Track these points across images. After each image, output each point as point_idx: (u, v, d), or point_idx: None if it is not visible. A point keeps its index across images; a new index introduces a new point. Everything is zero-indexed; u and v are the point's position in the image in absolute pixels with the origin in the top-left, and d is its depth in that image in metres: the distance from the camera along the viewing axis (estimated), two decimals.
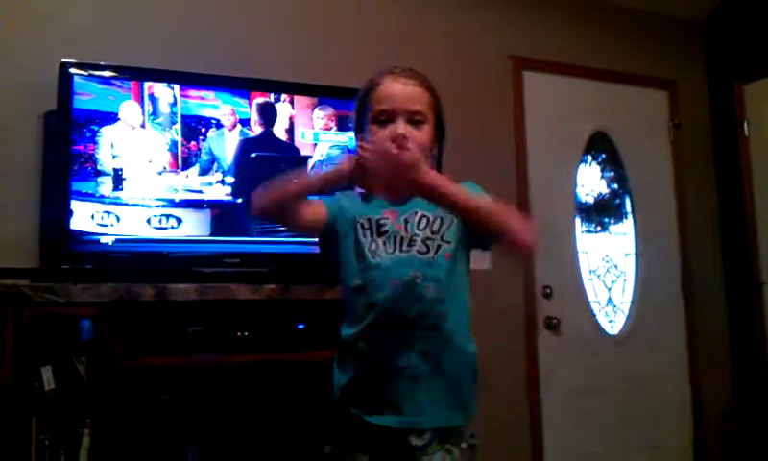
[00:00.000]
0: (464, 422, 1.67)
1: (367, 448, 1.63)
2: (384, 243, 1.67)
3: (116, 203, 2.69)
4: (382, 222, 1.69)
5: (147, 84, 2.78)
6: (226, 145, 2.87)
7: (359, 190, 1.86)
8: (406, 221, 1.69)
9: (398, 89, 1.73)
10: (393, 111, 1.70)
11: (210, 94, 2.88)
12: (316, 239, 1.81)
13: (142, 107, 2.77)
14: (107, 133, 2.70)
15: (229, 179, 2.85)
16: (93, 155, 2.68)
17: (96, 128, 2.69)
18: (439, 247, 1.67)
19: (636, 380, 4.10)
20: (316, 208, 1.74)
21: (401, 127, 1.68)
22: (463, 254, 1.72)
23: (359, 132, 1.80)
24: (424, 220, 1.69)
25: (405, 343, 1.61)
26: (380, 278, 1.64)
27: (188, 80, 2.86)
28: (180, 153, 2.81)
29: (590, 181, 4.27)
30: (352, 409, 1.65)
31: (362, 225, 1.70)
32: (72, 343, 2.55)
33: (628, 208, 4.33)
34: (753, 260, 4.27)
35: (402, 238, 1.67)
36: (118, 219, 2.69)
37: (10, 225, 2.78)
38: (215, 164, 2.84)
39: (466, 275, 1.74)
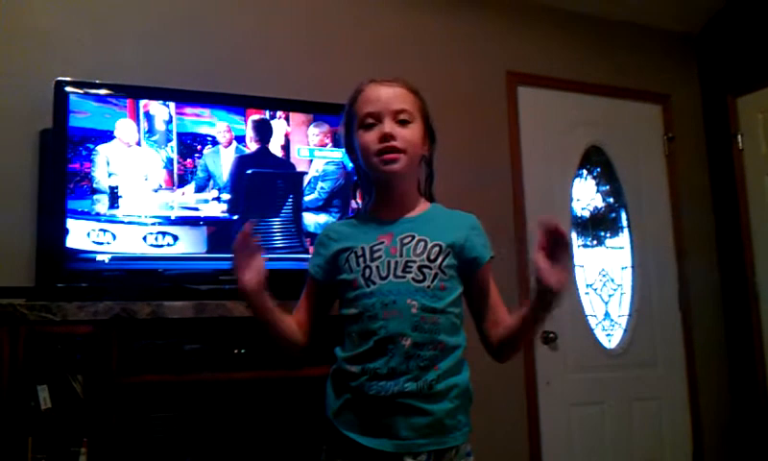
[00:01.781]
0: (461, 441, 1.66)
1: None
2: (378, 268, 1.66)
3: (112, 220, 2.69)
4: (376, 248, 1.68)
5: (142, 102, 2.79)
6: (221, 162, 2.87)
7: (353, 207, 1.87)
8: (402, 243, 1.69)
9: (383, 91, 1.73)
10: (378, 113, 1.70)
11: (206, 111, 2.88)
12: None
13: (138, 124, 2.78)
14: (102, 151, 2.71)
15: (225, 196, 2.85)
16: (89, 173, 2.68)
17: (92, 146, 2.69)
18: (435, 276, 1.65)
19: (634, 394, 4.09)
20: (307, 301, 1.83)
21: (388, 126, 1.69)
22: (458, 283, 1.71)
23: (349, 145, 1.81)
24: (421, 244, 1.68)
25: (402, 371, 1.59)
26: (375, 305, 1.63)
27: (184, 97, 2.87)
28: (175, 170, 2.81)
29: (586, 196, 4.28)
30: (346, 431, 1.64)
31: (356, 253, 1.69)
32: (68, 361, 2.53)
33: (624, 222, 4.34)
34: (748, 272, 4.28)
35: (397, 263, 1.65)
36: (114, 237, 2.68)
37: (5, 243, 2.78)
38: (211, 181, 2.84)
39: (460, 303, 1.73)
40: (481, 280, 1.76)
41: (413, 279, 1.64)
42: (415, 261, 1.66)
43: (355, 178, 1.89)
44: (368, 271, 1.66)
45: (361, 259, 1.68)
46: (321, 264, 1.78)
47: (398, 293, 1.63)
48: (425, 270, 1.65)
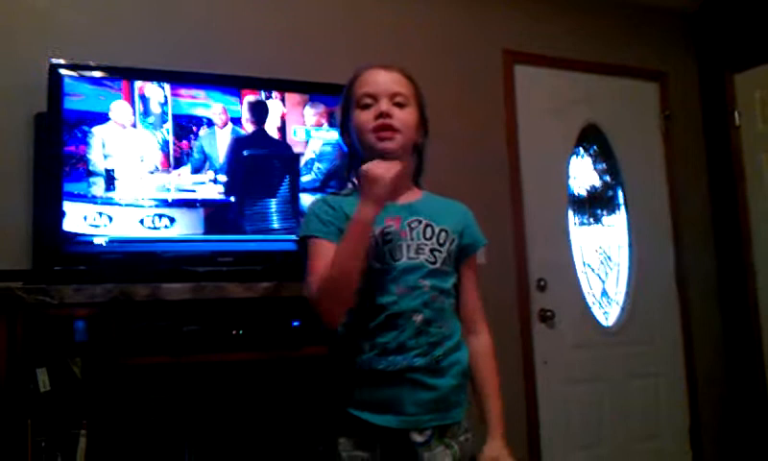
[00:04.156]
0: (461, 416, 1.69)
1: (366, 446, 1.64)
2: (391, 250, 1.67)
3: (109, 203, 2.68)
4: (386, 231, 1.69)
5: (137, 84, 2.78)
6: (217, 143, 2.86)
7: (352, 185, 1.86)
8: (410, 227, 1.71)
9: (381, 75, 1.76)
10: (376, 94, 1.72)
11: (201, 93, 2.87)
12: None
13: (133, 106, 2.77)
14: (98, 134, 2.70)
15: (222, 177, 2.85)
16: (85, 155, 2.67)
17: (87, 128, 2.68)
18: (444, 259, 1.71)
19: (631, 371, 4.12)
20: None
21: (384, 105, 1.70)
22: (454, 269, 1.77)
23: (344, 127, 1.81)
24: (429, 229, 1.72)
25: (411, 346, 1.63)
26: (388, 283, 1.65)
27: (179, 79, 2.85)
28: (171, 152, 2.80)
29: (583, 174, 4.28)
30: (350, 409, 1.65)
31: None
32: (67, 344, 2.54)
33: (621, 200, 4.34)
34: (745, 249, 4.29)
35: (409, 246, 1.69)
36: (111, 219, 2.68)
37: (2, 227, 2.78)
38: (207, 163, 2.84)
39: (456, 286, 1.78)
40: (469, 266, 1.81)
41: (426, 260, 1.69)
42: (427, 244, 1.70)
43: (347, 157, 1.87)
44: (380, 253, 1.67)
45: (372, 239, 1.68)
46: (336, 232, 1.68)
47: (412, 273, 1.66)
48: (436, 253, 1.70)
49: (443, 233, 1.72)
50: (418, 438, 1.62)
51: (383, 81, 1.74)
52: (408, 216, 1.72)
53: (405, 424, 1.62)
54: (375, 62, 1.80)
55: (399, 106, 1.72)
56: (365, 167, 1.63)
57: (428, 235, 1.71)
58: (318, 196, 2.89)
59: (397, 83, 1.75)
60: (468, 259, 1.80)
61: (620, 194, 4.35)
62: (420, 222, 1.71)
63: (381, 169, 1.60)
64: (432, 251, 1.69)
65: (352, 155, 1.82)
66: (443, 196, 1.85)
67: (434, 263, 1.68)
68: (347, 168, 1.88)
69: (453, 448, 1.65)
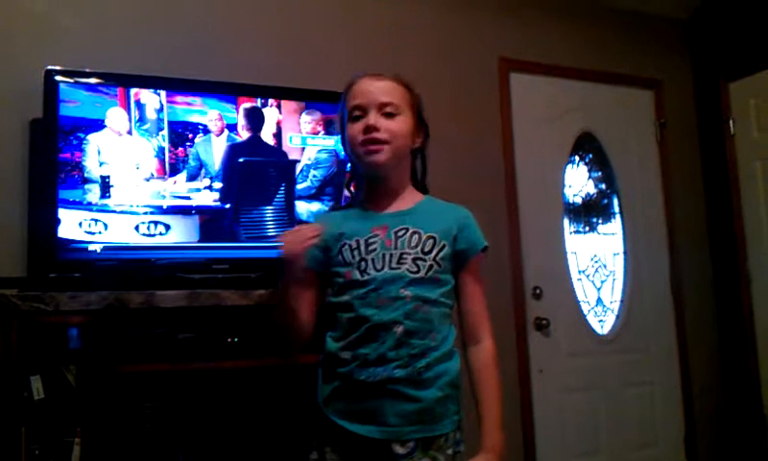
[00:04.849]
0: (450, 429, 1.68)
1: (350, 457, 1.64)
2: (373, 260, 1.68)
3: (104, 210, 2.68)
4: (371, 240, 1.70)
5: (133, 91, 2.77)
6: (213, 150, 2.86)
7: (346, 195, 1.88)
8: (396, 236, 1.70)
9: (372, 85, 1.76)
10: (365, 105, 1.73)
11: (197, 100, 2.86)
12: None
13: (129, 113, 2.76)
14: (93, 141, 2.69)
15: (217, 184, 2.84)
16: (80, 162, 2.66)
17: (83, 135, 2.68)
18: (430, 267, 1.68)
19: (626, 379, 4.12)
20: (310, 289, 1.79)
21: (372, 118, 1.71)
22: (450, 276, 1.74)
23: (343, 137, 1.82)
24: (416, 237, 1.70)
25: (391, 358, 1.62)
26: (369, 294, 1.65)
27: (175, 86, 2.85)
28: (167, 159, 2.80)
29: (578, 182, 4.28)
30: (335, 419, 1.66)
31: (350, 246, 1.71)
32: (61, 351, 2.53)
33: (616, 208, 4.35)
34: (740, 257, 4.30)
35: (392, 255, 1.68)
36: (106, 226, 2.67)
37: None
38: (203, 170, 2.83)
39: (452, 294, 1.76)
40: (468, 271, 1.78)
41: (408, 270, 1.67)
42: (410, 253, 1.68)
43: (349, 168, 1.90)
44: (363, 263, 1.68)
45: (356, 252, 1.69)
46: (317, 255, 1.76)
47: (393, 283, 1.65)
48: (419, 262, 1.68)
49: (429, 241, 1.70)
50: (400, 450, 1.61)
51: (372, 91, 1.74)
52: (395, 224, 1.72)
53: (386, 435, 1.61)
54: (369, 70, 1.81)
55: (389, 116, 1.73)
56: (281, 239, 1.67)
57: (413, 244, 1.69)
58: (314, 204, 2.94)
59: (388, 92, 1.75)
60: (466, 265, 1.77)
61: (615, 202, 4.35)
62: (408, 230, 1.71)
63: (291, 243, 1.63)
64: (415, 260, 1.68)
65: (352, 164, 1.84)
66: (446, 201, 1.84)
67: (416, 273, 1.67)
68: (346, 181, 1.90)
69: (438, 460, 1.64)
